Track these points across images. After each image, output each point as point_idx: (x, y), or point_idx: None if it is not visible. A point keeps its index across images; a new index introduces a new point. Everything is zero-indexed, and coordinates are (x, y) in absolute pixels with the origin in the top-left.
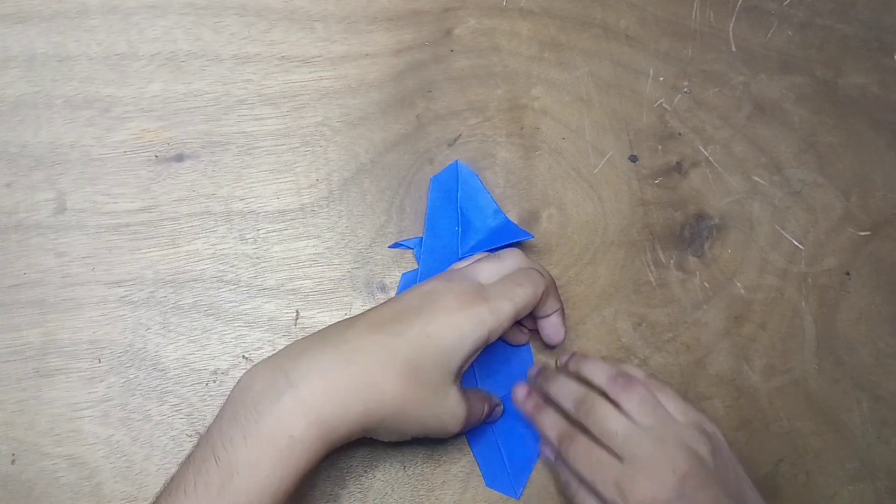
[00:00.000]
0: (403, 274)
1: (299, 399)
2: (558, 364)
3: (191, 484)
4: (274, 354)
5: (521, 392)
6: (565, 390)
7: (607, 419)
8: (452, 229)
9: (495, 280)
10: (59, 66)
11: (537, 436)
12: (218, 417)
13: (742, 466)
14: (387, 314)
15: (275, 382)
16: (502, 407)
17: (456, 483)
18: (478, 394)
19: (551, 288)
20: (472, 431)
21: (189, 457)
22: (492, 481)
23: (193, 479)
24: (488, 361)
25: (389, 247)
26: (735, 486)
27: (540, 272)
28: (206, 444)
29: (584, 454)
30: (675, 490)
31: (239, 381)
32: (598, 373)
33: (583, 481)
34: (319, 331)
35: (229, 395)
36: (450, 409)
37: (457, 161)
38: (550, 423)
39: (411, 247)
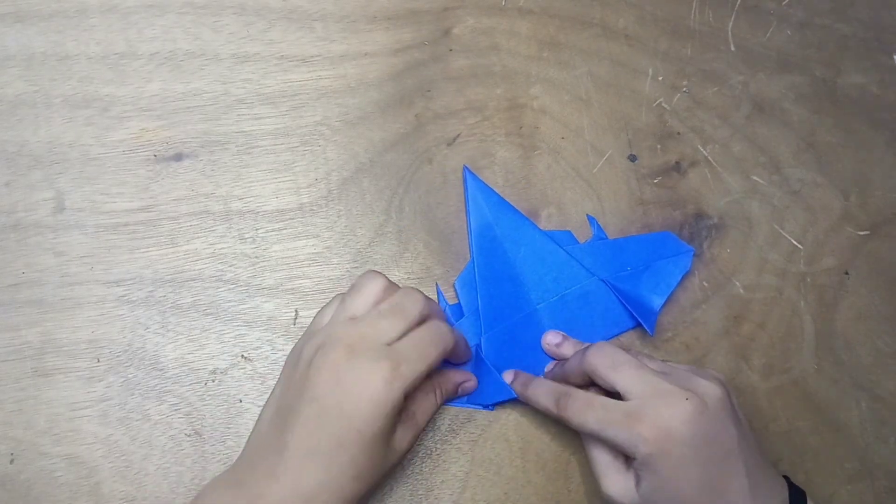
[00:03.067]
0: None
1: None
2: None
3: None
4: (234, 467)
5: (507, 376)
6: (567, 368)
7: (613, 372)
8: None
9: (398, 336)
10: (58, 65)
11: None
12: None
13: (752, 432)
14: (310, 426)
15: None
16: (473, 382)
17: (455, 483)
18: (425, 398)
19: (460, 340)
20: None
21: None
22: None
23: None
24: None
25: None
26: (749, 433)
27: (439, 331)
28: None
29: (585, 404)
30: (693, 416)
31: (204, 490)
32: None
33: (591, 434)
34: (255, 433)
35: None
36: (397, 453)
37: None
38: (543, 391)
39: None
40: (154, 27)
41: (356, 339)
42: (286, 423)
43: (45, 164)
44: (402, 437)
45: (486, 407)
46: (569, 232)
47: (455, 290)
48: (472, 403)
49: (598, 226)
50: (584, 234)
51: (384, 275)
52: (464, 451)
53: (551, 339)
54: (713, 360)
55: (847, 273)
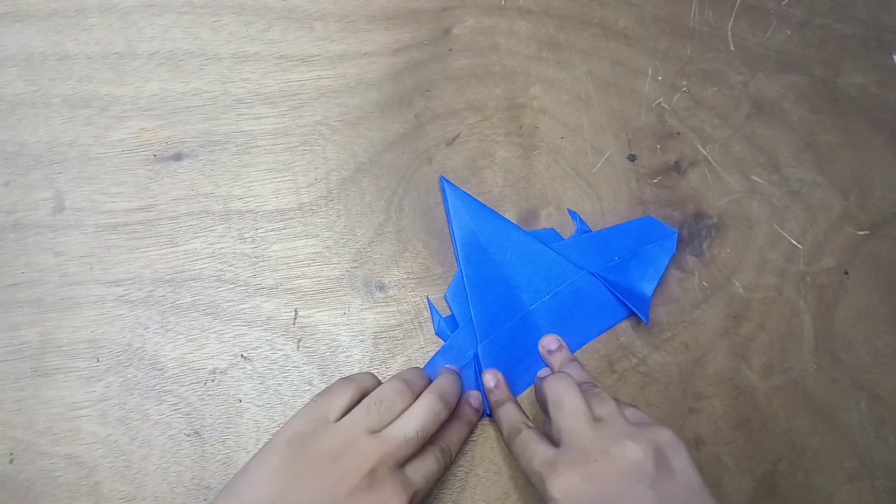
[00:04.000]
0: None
1: None
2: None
3: None
4: None
5: (488, 380)
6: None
7: (555, 410)
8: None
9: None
10: (58, 64)
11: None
12: None
13: (706, 493)
14: None
15: None
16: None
17: (454, 482)
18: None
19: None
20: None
21: None
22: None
23: None
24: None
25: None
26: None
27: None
28: None
29: (522, 447)
30: (599, 478)
31: None
32: (576, 373)
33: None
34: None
35: None
36: None
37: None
38: (504, 419)
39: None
40: (153, 27)
41: (377, 459)
42: None
43: (44, 163)
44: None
45: (485, 415)
46: (552, 230)
47: (447, 303)
48: None
49: (581, 219)
50: (570, 231)
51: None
52: (463, 451)
53: (547, 343)
54: (713, 360)
55: (847, 273)
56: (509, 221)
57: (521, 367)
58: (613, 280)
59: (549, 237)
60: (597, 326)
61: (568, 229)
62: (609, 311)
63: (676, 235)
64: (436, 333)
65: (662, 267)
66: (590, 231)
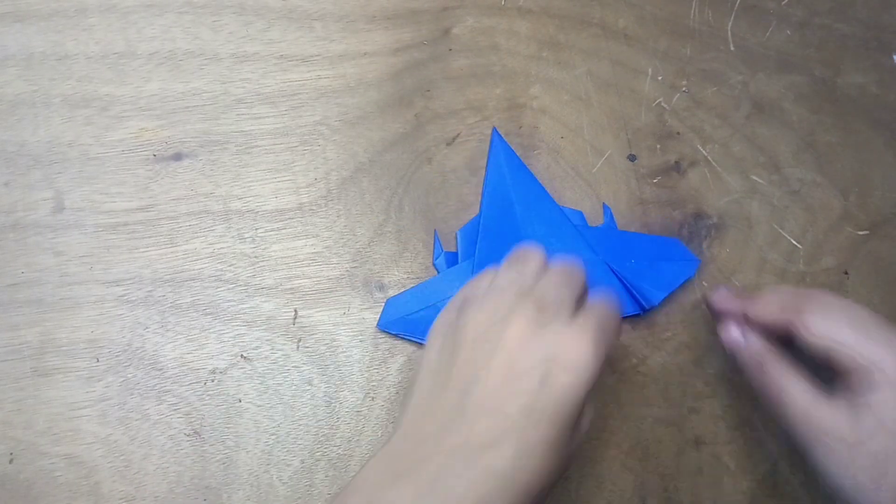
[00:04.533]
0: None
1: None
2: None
3: None
4: (392, 456)
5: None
6: None
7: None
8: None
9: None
10: (57, 64)
11: None
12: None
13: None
14: (491, 419)
15: (414, 490)
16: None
17: None
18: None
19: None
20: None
21: None
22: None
23: None
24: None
25: (435, 262)
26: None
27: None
28: None
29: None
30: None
31: (362, 476)
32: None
33: (825, 341)
34: (416, 418)
35: (353, 489)
36: (579, 440)
37: (493, 129)
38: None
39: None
40: (153, 27)
41: (540, 301)
42: (465, 388)
43: (44, 163)
44: (584, 420)
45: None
46: (580, 212)
47: (456, 239)
48: None
49: (611, 215)
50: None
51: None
52: None
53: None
54: (713, 360)
55: (846, 273)
56: (545, 190)
57: None
58: (625, 276)
59: (575, 218)
60: None
61: (581, 210)
62: None
63: (698, 264)
64: (433, 264)
65: (676, 283)
66: (615, 228)
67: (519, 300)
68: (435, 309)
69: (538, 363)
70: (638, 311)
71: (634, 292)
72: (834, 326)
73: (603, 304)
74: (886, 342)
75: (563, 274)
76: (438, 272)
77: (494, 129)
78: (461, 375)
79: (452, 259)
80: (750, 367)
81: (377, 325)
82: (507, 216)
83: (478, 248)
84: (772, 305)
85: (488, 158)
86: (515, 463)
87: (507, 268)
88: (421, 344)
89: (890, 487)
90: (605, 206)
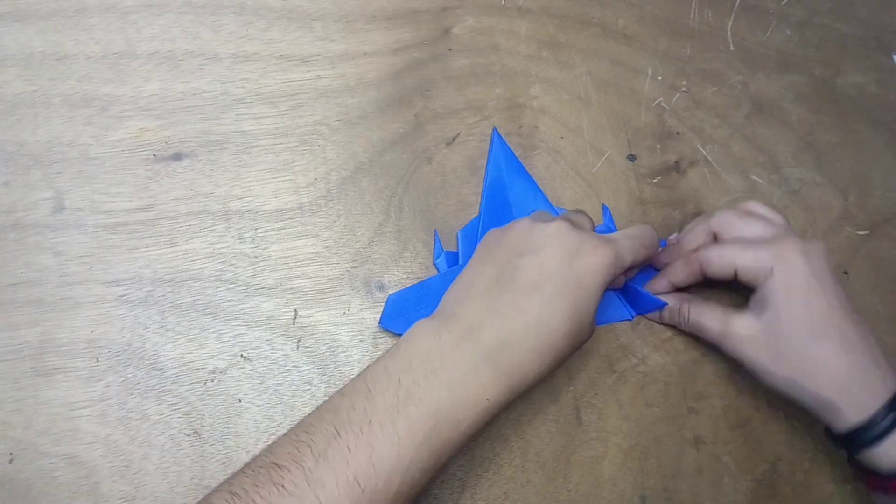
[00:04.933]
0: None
1: (496, 369)
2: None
3: (388, 423)
4: (444, 316)
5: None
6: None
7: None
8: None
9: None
10: (57, 64)
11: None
12: (393, 366)
13: None
14: (533, 271)
15: (470, 351)
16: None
17: (454, 482)
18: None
19: (651, 251)
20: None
21: (373, 386)
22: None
23: (391, 420)
24: None
25: (435, 261)
26: None
27: (653, 236)
28: (393, 382)
29: (719, 251)
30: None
31: (418, 338)
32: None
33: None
34: (475, 281)
35: (407, 347)
36: (587, 337)
37: (494, 129)
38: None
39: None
40: (153, 27)
41: (575, 222)
42: (502, 273)
43: (44, 163)
44: (590, 332)
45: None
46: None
47: (457, 239)
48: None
49: (610, 217)
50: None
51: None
52: (463, 451)
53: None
54: (712, 360)
55: (846, 273)
56: (541, 191)
57: None
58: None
59: None
60: None
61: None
62: (603, 307)
63: None
64: (434, 264)
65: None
66: (613, 230)
67: (555, 220)
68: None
69: (566, 259)
70: (628, 318)
71: (626, 300)
72: (726, 256)
73: (637, 230)
74: (770, 249)
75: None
76: (439, 272)
77: (495, 130)
78: (507, 251)
79: (453, 259)
80: (675, 320)
81: (379, 322)
82: (506, 217)
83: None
84: (678, 270)
85: (488, 158)
86: (542, 313)
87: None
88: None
89: (785, 366)
90: (604, 207)
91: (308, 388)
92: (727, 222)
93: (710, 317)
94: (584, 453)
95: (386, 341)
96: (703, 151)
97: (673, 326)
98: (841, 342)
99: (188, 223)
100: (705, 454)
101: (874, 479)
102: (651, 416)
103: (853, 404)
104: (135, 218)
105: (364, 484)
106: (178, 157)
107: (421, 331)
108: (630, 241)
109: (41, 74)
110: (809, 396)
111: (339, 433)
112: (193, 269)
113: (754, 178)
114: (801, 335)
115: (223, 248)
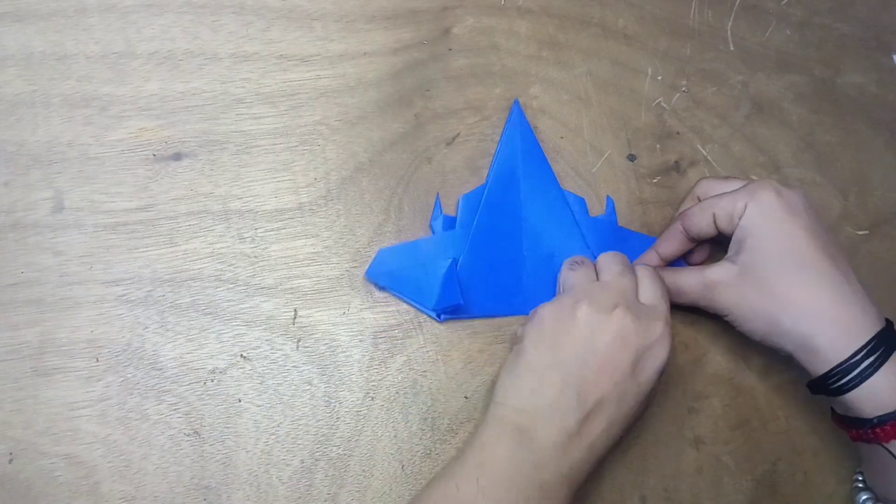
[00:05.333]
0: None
1: (570, 487)
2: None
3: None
4: (515, 426)
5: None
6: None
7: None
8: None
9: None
10: (57, 64)
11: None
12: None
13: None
14: (600, 388)
15: (548, 475)
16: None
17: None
18: None
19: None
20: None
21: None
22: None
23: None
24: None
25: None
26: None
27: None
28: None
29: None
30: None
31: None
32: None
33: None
34: (530, 389)
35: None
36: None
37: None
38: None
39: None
40: (153, 26)
41: (623, 289)
42: (568, 377)
43: (43, 163)
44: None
45: (437, 316)
46: (583, 200)
47: (457, 205)
48: (423, 304)
49: (614, 208)
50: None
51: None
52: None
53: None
54: (712, 360)
55: None
56: (552, 172)
57: (491, 295)
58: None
59: (576, 204)
60: None
61: (584, 197)
62: None
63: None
64: (430, 224)
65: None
66: (615, 222)
67: (616, 307)
68: (423, 268)
69: (633, 349)
70: None
71: None
72: (704, 207)
73: (654, 285)
74: (745, 190)
75: (649, 278)
76: (433, 233)
77: (516, 101)
78: (570, 353)
79: (449, 223)
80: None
81: (365, 273)
82: (512, 191)
83: (478, 217)
84: (664, 239)
85: (504, 129)
86: (608, 428)
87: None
88: (403, 300)
89: (763, 305)
90: (608, 199)
91: (308, 388)
92: (708, 186)
93: (686, 274)
94: None
95: (385, 342)
96: (703, 151)
97: (673, 327)
98: (818, 276)
99: (188, 223)
100: (705, 454)
101: (857, 430)
102: (651, 416)
103: (833, 343)
104: (134, 218)
105: None
106: (177, 156)
107: (498, 444)
108: (663, 302)
109: (41, 74)
110: (788, 338)
111: None
112: (193, 269)
113: (754, 177)
114: (777, 270)
115: (223, 247)
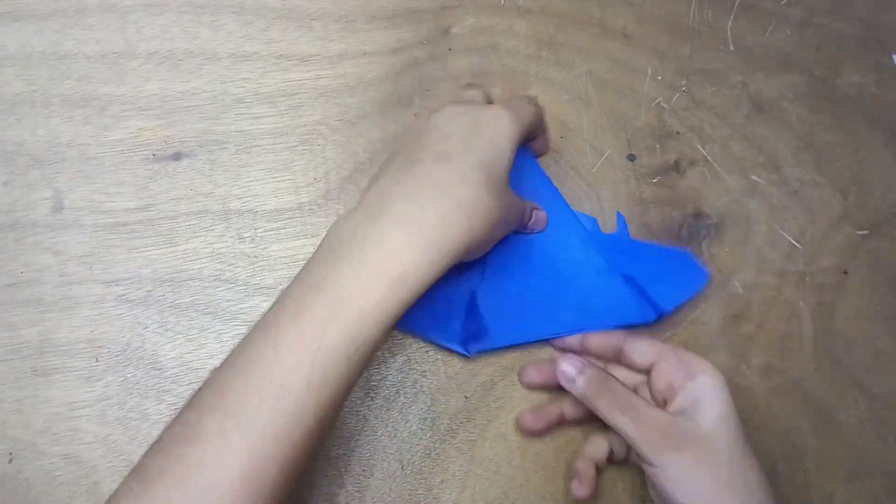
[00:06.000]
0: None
1: (408, 233)
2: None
3: (291, 315)
4: (360, 205)
5: (570, 367)
6: None
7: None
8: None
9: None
10: (57, 64)
11: (528, 313)
12: (310, 262)
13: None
14: (439, 143)
15: (378, 222)
16: (544, 214)
17: (454, 482)
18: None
19: (542, 115)
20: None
21: (285, 293)
22: (440, 333)
23: (294, 309)
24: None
25: None
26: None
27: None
28: (303, 280)
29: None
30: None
31: (332, 229)
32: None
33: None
34: (386, 172)
35: (322, 242)
36: (514, 206)
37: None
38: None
39: None
40: (152, 26)
41: (468, 98)
42: (410, 152)
43: (43, 163)
44: (513, 196)
45: (466, 350)
46: (594, 219)
47: None
48: (448, 341)
49: (625, 224)
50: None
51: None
52: (463, 451)
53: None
54: (712, 359)
55: (846, 272)
56: (557, 191)
57: (515, 317)
58: (638, 283)
59: (588, 223)
60: (599, 320)
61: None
62: (615, 310)
63: (708, 278)
64: None
65: (686, 296)
66: (628, 237)
67: (448, 103)
68: (443, 305)
69: (468, 139)
70: (652, 319)
71: (647, 298)
72: (656, 347)
73: (521, 100)
74: (696, 360)
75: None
76: None
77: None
78: (412, 140)
79: None
80: (593, 391)
81: None
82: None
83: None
84: (601, 336)
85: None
86: (453, 173)
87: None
88: (427, 339)
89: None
90: (618, 215)
91: None
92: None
93: (641, 402)
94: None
95: (386, 341)
96: (703, 151)
97: (673, 327)
98: (743, 480)
99: (187, 223)
100: None
101: None
102: None
103: None
104: (134, 218)
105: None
106: (177, 156)
107: (340, 222)
108: (518, 102)
109: (41, 74)
110: None
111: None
112: (193, 269)
113: (754, 177)
114: (730, 455)
115: (222, 247)
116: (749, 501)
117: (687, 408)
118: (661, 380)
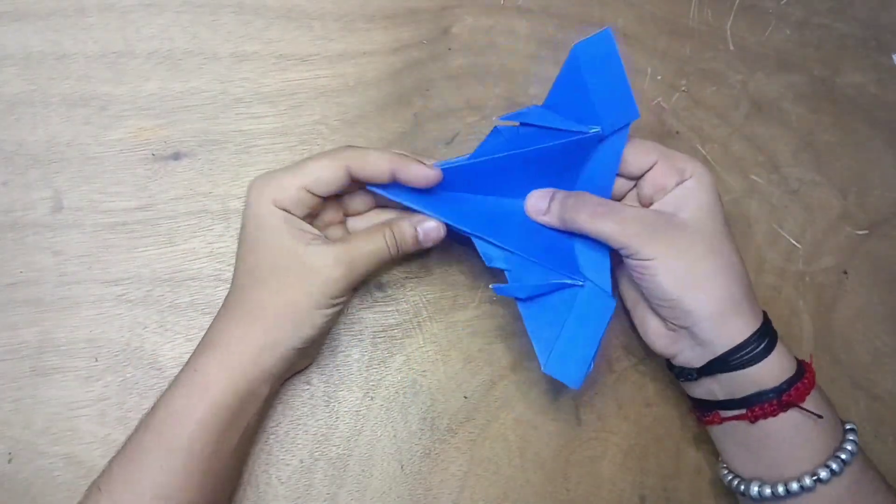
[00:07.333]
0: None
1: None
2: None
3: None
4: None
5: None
6: None
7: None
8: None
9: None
10: (56, 64)
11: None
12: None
13: None
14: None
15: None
16: (434, 224)
17: (453, 482)
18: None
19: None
20: (530, 308)
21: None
22: (548, 365)
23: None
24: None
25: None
26: None
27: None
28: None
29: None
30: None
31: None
32: None
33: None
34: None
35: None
36: (321, 275)
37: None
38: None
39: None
40: (152, 26)
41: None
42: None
43: (42, 163)
44: (325, 257)
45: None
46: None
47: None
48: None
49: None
50: None
51: None
52: (462, 451)
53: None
54: None
55: (845, 272)
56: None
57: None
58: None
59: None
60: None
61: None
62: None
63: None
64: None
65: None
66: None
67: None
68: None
69: (246, 226)
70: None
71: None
72: (651, 154)
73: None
74: (690, 162)
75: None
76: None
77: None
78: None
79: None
80: (570, 208)
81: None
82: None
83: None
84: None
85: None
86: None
87: None
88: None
89: (683, 274)
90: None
91: (307, 387)
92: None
93: (628, 208)
94: (583, 453)
95: (385, 342)
96: (703, 151)
97: None
98: (730, 264)
99: (187, 223)
100: (705, 454)
101: (711, 415)
102: (650, 416)
103: (726, 329)
104: (133, 217)
105: None
106: (176, 156)
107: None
108: (292, 164)
109: (40, 74)
110: (686, 315)
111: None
112: (192, 269)
113: (753, 177)
114: (709, 244)
115: (222, 247)
116: (734, 285)
117: (674, 205)
118: (651, 183)
